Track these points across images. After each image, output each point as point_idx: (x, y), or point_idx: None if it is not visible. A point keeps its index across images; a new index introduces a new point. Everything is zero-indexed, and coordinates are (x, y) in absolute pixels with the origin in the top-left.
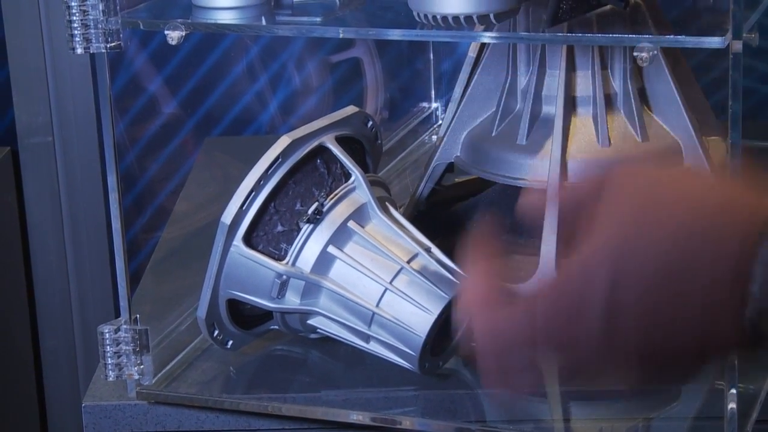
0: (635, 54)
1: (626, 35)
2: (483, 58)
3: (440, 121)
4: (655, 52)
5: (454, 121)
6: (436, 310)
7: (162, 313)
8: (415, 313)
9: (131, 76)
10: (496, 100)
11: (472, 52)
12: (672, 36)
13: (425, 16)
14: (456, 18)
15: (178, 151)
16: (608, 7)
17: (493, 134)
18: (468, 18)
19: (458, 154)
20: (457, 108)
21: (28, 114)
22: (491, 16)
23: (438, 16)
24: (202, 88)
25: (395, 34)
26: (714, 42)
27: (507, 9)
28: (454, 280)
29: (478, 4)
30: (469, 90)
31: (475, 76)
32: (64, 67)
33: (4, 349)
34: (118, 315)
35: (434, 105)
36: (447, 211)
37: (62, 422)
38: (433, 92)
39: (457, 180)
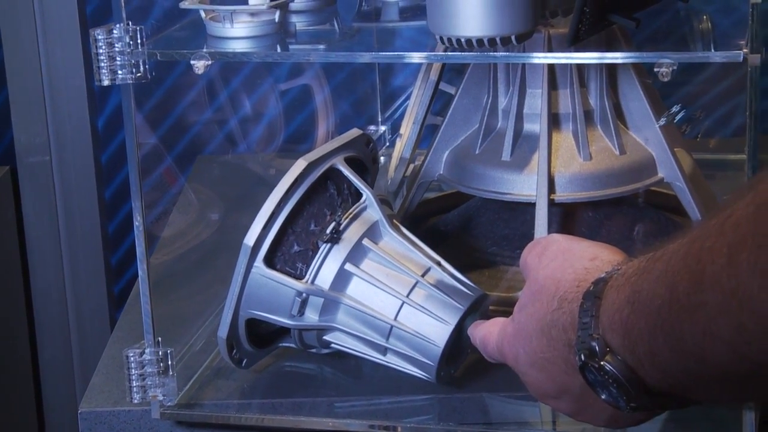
0: (656, 70)
1: (650, 53)
2: (462, 80)
3: (387, 144)
4: (675, 67)
5: (436, 142)
6: (453, 321)
7: (171, 334)
8: (432, 324)
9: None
10: (474, 120)
11: (434, 75)
12: (692, 52)
13: (448, 39)
14: (480, 40)
15: (171, 169)
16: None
17: (477, 152)
18: (491, 40)
19: (441, 172)
20: (421, 127)
21: (26, 134)
22: (513, 38)
23: (462, 40)
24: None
25: (417, 58)
26: (733, 57)
27: (526, 31)
28: (467, 291)
29: (500, 27)
30: (449, 112)
31: (455, 99)
32: (60, 89)
33: (3, 358)
34: (113, 326)
35: (381, 128)
36: (429, 225)
37: (59, 429)
38: (379, 116)
39: (431, 196)
